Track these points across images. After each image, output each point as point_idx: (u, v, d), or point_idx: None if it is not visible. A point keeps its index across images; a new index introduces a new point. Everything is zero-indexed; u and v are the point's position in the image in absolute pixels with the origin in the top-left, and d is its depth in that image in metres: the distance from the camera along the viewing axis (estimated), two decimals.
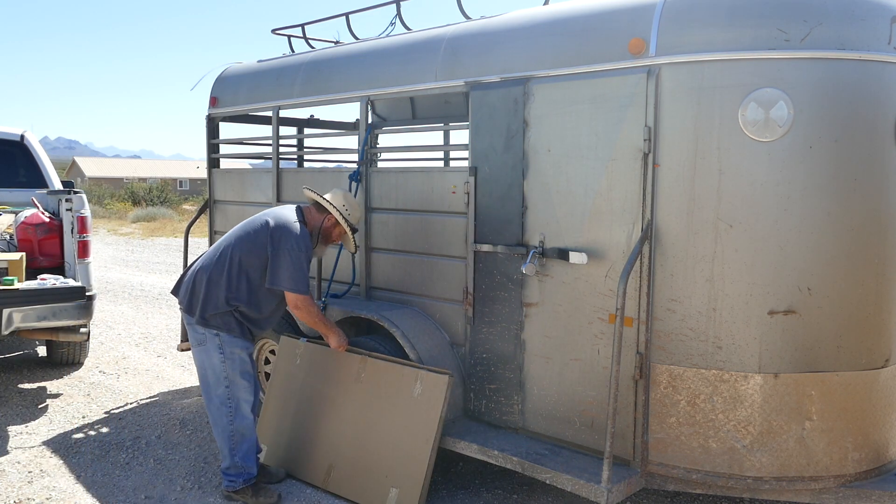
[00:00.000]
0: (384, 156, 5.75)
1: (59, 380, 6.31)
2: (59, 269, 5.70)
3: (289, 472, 4.24)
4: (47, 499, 4.05)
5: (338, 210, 4.00)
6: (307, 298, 3.85)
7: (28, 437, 4.98)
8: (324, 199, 4.02)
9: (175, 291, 4.12)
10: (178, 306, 4.08)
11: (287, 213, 3.97)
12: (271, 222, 3.88)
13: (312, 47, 5.48)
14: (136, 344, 7.69)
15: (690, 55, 3.20)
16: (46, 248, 5.75)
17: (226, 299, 3.85)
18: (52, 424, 5.21)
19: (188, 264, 4.11)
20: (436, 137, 7.12)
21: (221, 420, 3.95)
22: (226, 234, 4.06)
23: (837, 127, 3.13)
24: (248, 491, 3.97)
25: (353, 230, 4.10)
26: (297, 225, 3.88)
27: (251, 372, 4.00)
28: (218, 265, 3.90)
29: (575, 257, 3.53)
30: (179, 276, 4.13)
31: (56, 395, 5.87)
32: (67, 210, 5.60)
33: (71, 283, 5.33)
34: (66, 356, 6.61)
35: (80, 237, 5.60)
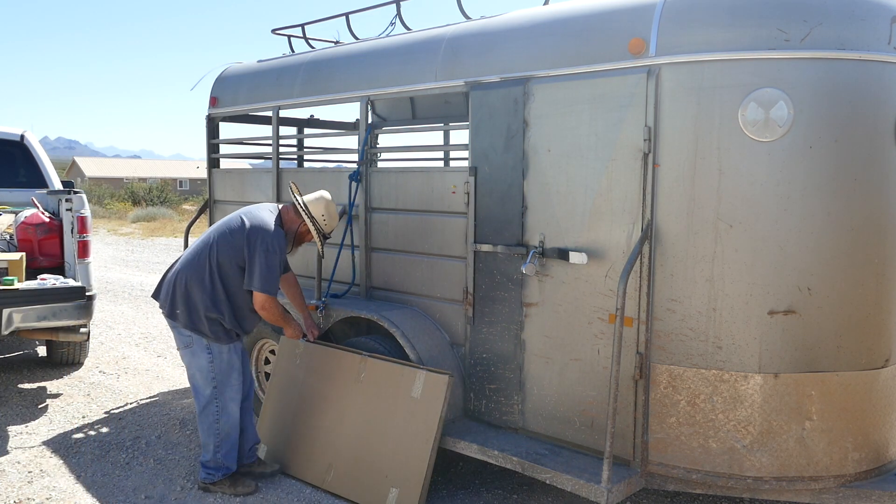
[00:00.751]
0: (384, 156, 5.75)
1: (59, 380, 6.31)
2: (59, 269, 5.70)
3: (289, 473, 4.24)
4: (47, 499, 4.05)
5: (312, 219, 4.02)
6: (273, 299, 3.93)
7: (28, 437, 4.98)
8: (301, 205, 4.03)
9: (156, 295, 4.14)
10: (160, 311, 4.11)
11: (263, 213, 4.00)
12: (247, 223, 3.92)
13: (312, 47, 5.48)
14: (136, 344, 7.69)
15: (690, 55, 3.20)
16: (46, 248, 5.74)
17: (211, 301, 3.89)
18: (52, 424, 5.21)
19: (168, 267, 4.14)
20: (436, 137, 7.14)
21: (208, 418, 4.03)
22: (202, 236, 4.11)
23: (837, 127, 3.13)
24: (226, 482, 4.05)
25: (325, 237, 4.13)
26: (273, 226, 3.93)
27: (240, 369, 4.07)
28: (197, 268, 3.94)
29: (575, 257, 3.53)
30: (159, 279, 4.16)
31: (56, 395, 5.87)
32: (67, 210, 5.60)
33: (71, 283, 5.33)
34: (66, 356, 6.61)
35: (80, 237, 5.60)
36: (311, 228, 4.01)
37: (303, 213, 4.01)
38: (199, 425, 4.08)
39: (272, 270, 3.85)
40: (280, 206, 4.15)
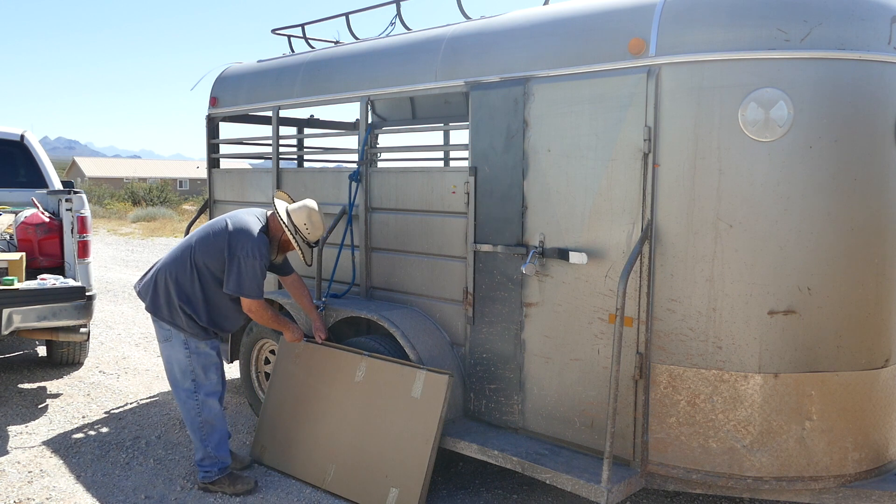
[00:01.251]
0: (384, 156, 5.75)
1: (59, 380, 6.31)
2: (59, 269, 5.70)
3: (289, 473, 4.24)
4: (47, 499, 4.05)
5: (292, 228, 4.04)
6: (260, 303, 3.98)
7: (28, 437, 4.98)
8: (280, 214, 4.04)
9: (137, 286, 4.22)
10: (142, 303, 4.15)
11: (249, 218, 4.03)
12: (230, 227, 3.96)
13: (312, 47, 5.48)
14: (136, 344, 7.69)
15: (690, 55, 3.20)
16: (46, 248, 5.74)
17: (189, 298, 3.97)
18: (52, 424, 5.21)
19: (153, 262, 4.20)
20: (436, 137, 7.15)
21: (190, 413, 4.08)
22: (189, 235, 4.16)
23: (837, 127, 3.13)
24: (225, 481, 4.08)
25: (311, 246, 4.15)
26: (256, 231, 3.96)
27: (217, 364, 4.15)
28: (180, 266, 4.00)
29: (575, 257, 3.53)
30: (144, 273, 4.23)
31: (56, 395, 5.87)
32: (67, 210, 5.60)
33: (71, 283, 5.33)
34: (66, 356, 6.61)
35: (80, 237, 5.60)
36: (291, 239, 4.03)
37: (282, 224, 4.02)
38: (185, 423, 4.15)
39: (253, 275, 3.89)
40: (269, 212, 4.17)
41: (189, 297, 3.97)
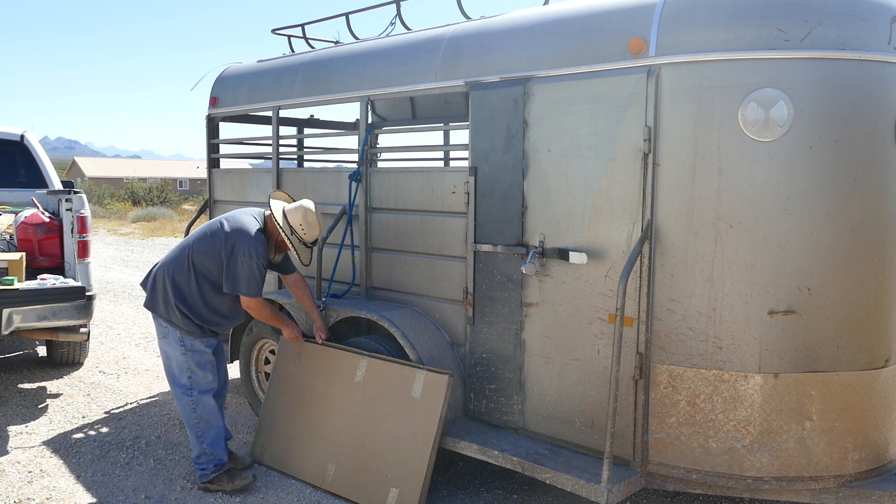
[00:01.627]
0: (384, 156, 5.75)
1: (59, 380, 6.31)
2: (59, 269, 5.70)
3: (289, 473, 4.24)
4: (47, 499, 4.06)
5: (288, 229, 4.05)
6: (258, 300, 4.03)
7: (28, 437, 4.98)
8: (274, 214, 4.06)
9: (143, 285, 4.27)
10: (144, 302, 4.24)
11: (245, 218, 4.05)
12: (227, 227, 3.99)
13: (312, 47, 5.48)
14: (136, 344, 7.69)
15: (690, 55, 3.20)
16: (46, 248, 5.75)
17: (185, 297, 4.02)
18: (52, 424, 5.21)
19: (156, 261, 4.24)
20: (436, 137, 7.15)
21: (185, 409, 4.13)
22: (189, 235, 4.20)
23: (837, 127, 3.13)
24: (223, 478, 4.10)
25: (308, 246, 4.16)
26: (253, 231, 3.98)
27: (212, 362, 4.19)
28: (177, 266, 4.05)
29: (575, 257, 3.53)
30: (148, 271, 4.28)
31: (56, 395, 5.87)
32: (67, 210, 5.60)
33: (71, 283, 5.33)
34: (66, 356, 6.61)
35: (80, 237, 5.60)
36: (285, 239, 4.04)
37: (277, 225, 4.04)
38: (182, 418, 4.18)
39: (250, 274, 3.92)
40: (266, 212, 4.18)
41: (185, 296, 4.01)
